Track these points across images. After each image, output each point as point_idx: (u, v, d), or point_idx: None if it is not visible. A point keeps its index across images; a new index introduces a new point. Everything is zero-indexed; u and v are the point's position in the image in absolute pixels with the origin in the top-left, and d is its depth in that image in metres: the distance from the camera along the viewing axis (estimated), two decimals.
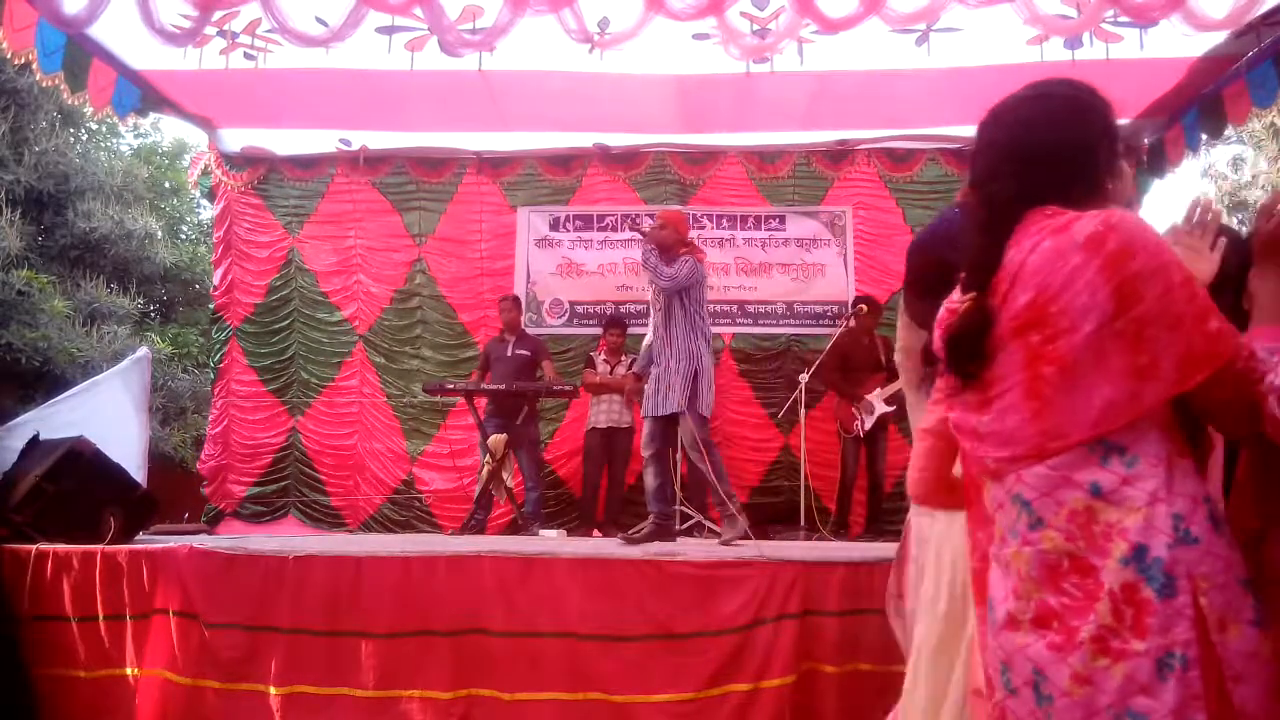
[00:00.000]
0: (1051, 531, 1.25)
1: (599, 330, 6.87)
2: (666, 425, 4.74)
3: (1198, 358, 1.20)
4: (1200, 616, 1.17)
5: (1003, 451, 1.31)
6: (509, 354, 6.48)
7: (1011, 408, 1.30)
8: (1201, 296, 1.22)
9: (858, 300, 6.43)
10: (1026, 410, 1.28)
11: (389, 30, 5.30)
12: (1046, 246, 1.27)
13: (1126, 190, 1.47)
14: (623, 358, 6.66)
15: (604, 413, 6.55)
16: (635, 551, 3.83)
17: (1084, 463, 1.24)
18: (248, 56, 5.65)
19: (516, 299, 6.82)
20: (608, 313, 7.01)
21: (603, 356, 6.70)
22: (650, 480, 4.72)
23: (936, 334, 1.46)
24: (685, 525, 5.65)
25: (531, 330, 7.08)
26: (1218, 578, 1.20)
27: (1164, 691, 1.15)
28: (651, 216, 7.22)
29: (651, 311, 4.88)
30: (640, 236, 4.80)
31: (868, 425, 6.06)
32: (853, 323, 6.37)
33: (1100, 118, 1.41)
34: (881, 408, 6.04)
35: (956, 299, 1.41)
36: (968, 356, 1.34)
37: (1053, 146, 1.38)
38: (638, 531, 4.66)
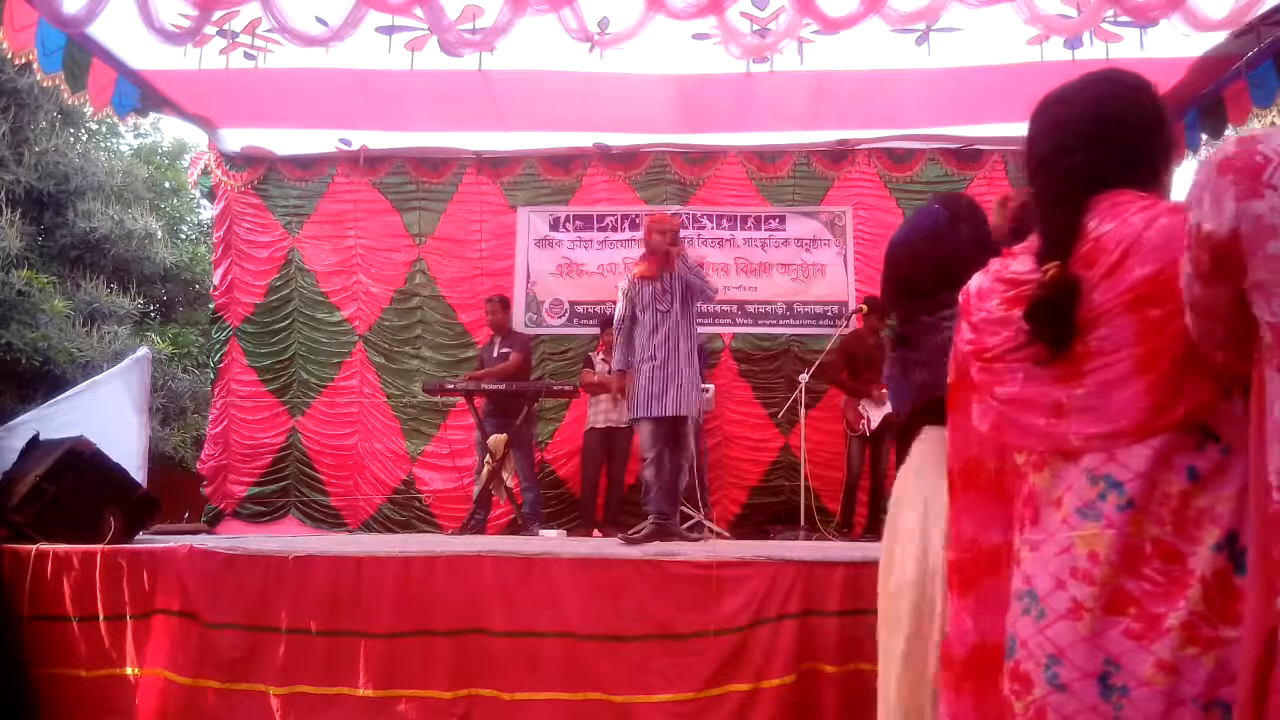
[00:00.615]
0: (1141, 514, 1.22)
1: (598, 330, 6.86)
2: (668, 426, 4.77)
3: None
4: None
5: (1099, 427, 1.26)
6: (495, 355, 6.51)
7: (1119, 381, 1.25)
8: None
9: (862, 301, 6.43)
10: (1141, 383, 1.24)
11: (389, 30, 5.30)
12: (1164, 223, 1.25)
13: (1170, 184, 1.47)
14: None
15: (602, 413, 6.54)
16: (635, 551, 3.83)
17: (1183, 446, 1.22)
18: (248, 56, 5.66)
19: (504, 300, 6.80)
20: (607, 313, 7.00)
21: (600, 356, 6.69)
22: (652, 480, 4.73)
23: (991, 305, 1.42)
24: (685, 525, 5.65)
25: (532, 330, 7.08)
26: None
27: None
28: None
29: (650, 312, 4.84)
30: (677, 252, 4.83)
31: (874, 424, 6.07)
32: (857, 324, 6.37)
33: (1158, 105, 1.43)
34: (886, 407, 6.04)
35: (1018, 269, 1.39)
36: (1062, 324, 1.30)
37: (1120, 126, 1.38)
38: (637, 531, 4.66)
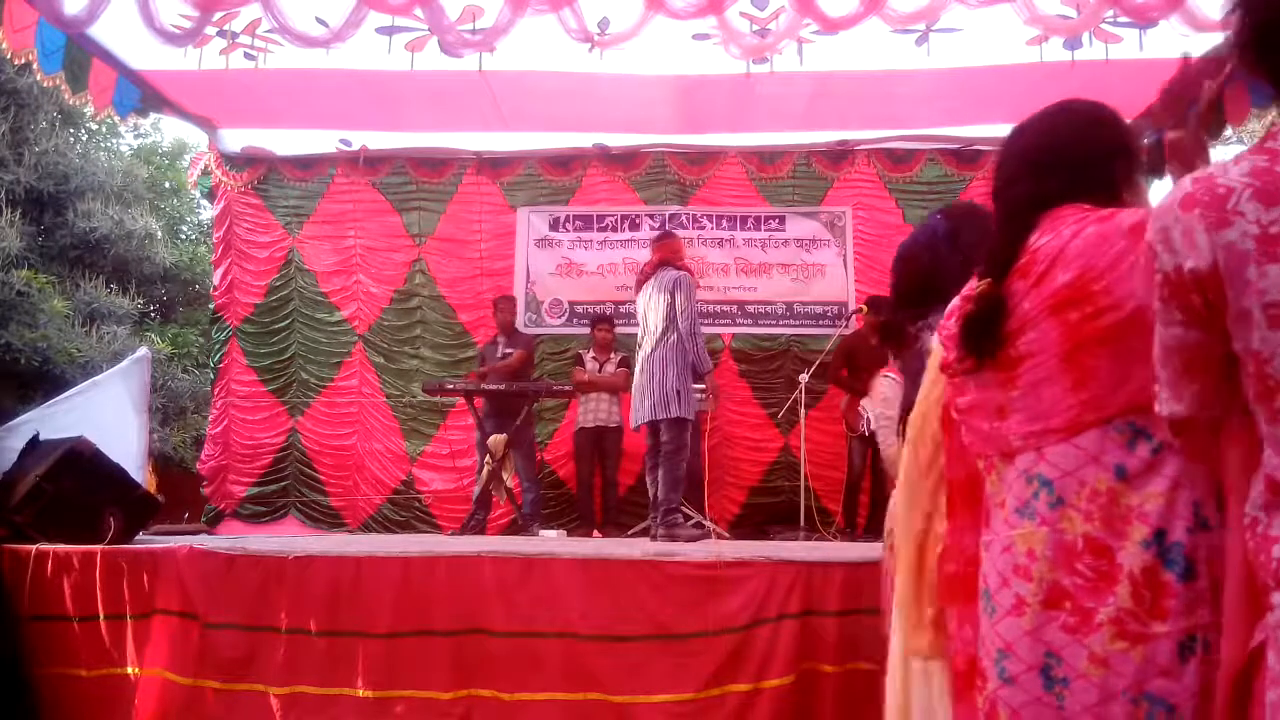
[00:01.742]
0: (1071, 511, 1.26)
1: (589, 328, 6.85)
2: None
3: None
4: (1218, 600, 1.18)
5: (1034, 425, 1.32)
6: (499, 355, 6.50)
7: (1046, 380, 1.32)
8: None
9: (862, 302, 6.44)
10: (1066, 381, 1.30)
11: (389, 30, 5.30)
12: (1091, 232, 1.31)
13: (1142, 206, 1.50)
14: (612, 355, 6.66)
15: (592, 412, 6.53)
16: (635, 551, 3.83)
17: (1111, 444, 1.26)
18: (248, 57, 5.65)
19: (511, 299, 6.81)
20: (608, 312, 6.99)
21: (591, 355, 6.68)
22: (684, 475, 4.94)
23: (950, 322, 1.49)
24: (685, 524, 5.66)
25: (531, 330, 7.08)
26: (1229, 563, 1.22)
27: (1185, 674, 1.17)
28: (652, 218, 7.32)
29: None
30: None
31: (874, 424, 6.06)
32: (857, 324, 6.37)
33: (1118, 133, 1.48)
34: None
35: (973, 287, 1.45)
36: (986, 335, 1.38)
37: (1069, 154, 1.44)
38: (681, 529, 4.72)
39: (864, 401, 6.14)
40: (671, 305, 4.90)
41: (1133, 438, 1.25)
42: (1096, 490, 1.25)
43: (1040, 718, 1.25)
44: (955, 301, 1.52)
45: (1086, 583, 1.24)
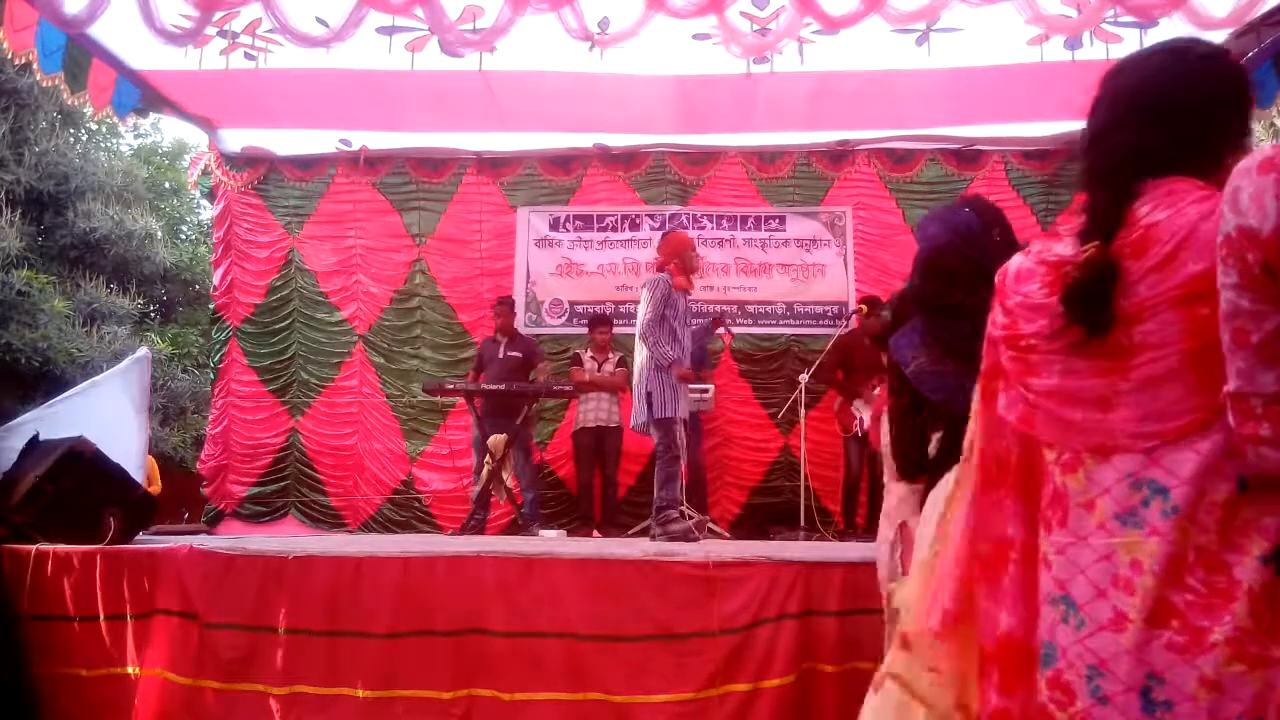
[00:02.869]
0: (1186, 523, 1.16)
1: (587, 329, 6.85)
2: None
3: None
4: None
5: (1147, 425, 1.20)
6: (501, 355, 6.48)
7: (1168, 376, 1.19)
8: None
9: (861, 301, 6.44)
10: (1191, 380, 1.17)
11: (389, 30, 5.31)
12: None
13: None
14: (610, 355, 6.66)
15: (592, 411, 6.53)
16: (635, 551, 3.83)
17: (1235, 453, 1.15)
18: (248, 56, 5.66)
19: (511, 301, 6.81)
20: (608, 312, 6.99)
21: (589, 354, 6.68)
22: (678, 475, 4.95)
23: (1030, 289, 1.34)
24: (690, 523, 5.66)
25: (531, 330, 7.08)
26: None
27: None
28: (652, 218, 7.32)
29: (679, 322, 5.04)
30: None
31: (868, 424, 6.07)
32: (856, 324, 6.38)
33: (1234, 84, 1.32)
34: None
35: (1061, 252, 1.31)
36: (1099, 308, 1.22)
37: (1180, 102, 1.28)
38: (674, 524, 4.72)
39: (856, 401, 6.14)
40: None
41: None
42: (1215, 502, 1.15)
43: None
44: (1023, 264, 1.36)
45: (1199, 599, 1.13)
